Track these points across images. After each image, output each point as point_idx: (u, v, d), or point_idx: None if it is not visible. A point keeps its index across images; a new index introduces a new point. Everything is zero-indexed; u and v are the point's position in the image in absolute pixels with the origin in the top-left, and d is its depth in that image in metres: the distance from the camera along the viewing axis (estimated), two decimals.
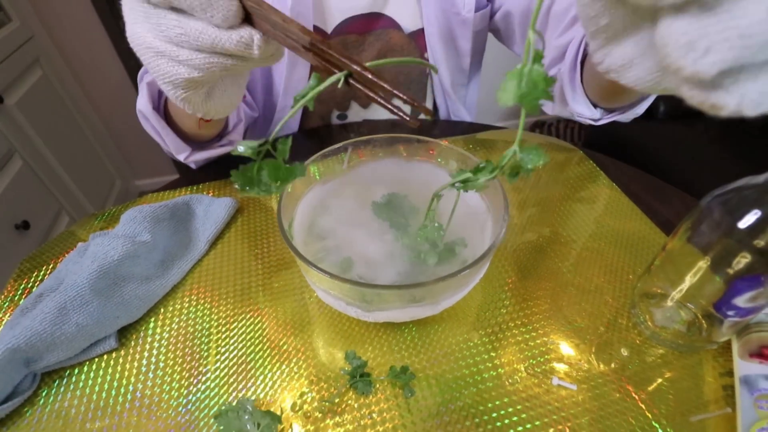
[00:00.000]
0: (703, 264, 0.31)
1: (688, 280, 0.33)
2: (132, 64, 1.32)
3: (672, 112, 1.29)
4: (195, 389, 0.34)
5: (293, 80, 0.60)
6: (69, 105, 1.36)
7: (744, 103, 0.14)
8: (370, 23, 0.59)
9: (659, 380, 0.34)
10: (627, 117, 0.48)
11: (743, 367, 0.32)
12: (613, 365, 0.35)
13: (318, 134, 0.66)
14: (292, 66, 0.58)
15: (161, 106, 0.47)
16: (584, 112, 0.49)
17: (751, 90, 0.14)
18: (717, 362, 0.35)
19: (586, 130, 1.62)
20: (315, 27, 0.58)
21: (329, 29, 0.59)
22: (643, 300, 0.37)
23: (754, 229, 0.27)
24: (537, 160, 0.26)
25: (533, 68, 0.22)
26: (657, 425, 0.31)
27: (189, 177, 0.55)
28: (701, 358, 0.35)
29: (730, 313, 0.31)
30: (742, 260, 0.28)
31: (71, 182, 1.31)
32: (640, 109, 0.47)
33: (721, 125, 1.29)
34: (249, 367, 0.35)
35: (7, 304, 0.40)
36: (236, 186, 0.25)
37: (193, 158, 0.50)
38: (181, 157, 0.49)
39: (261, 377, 0.35)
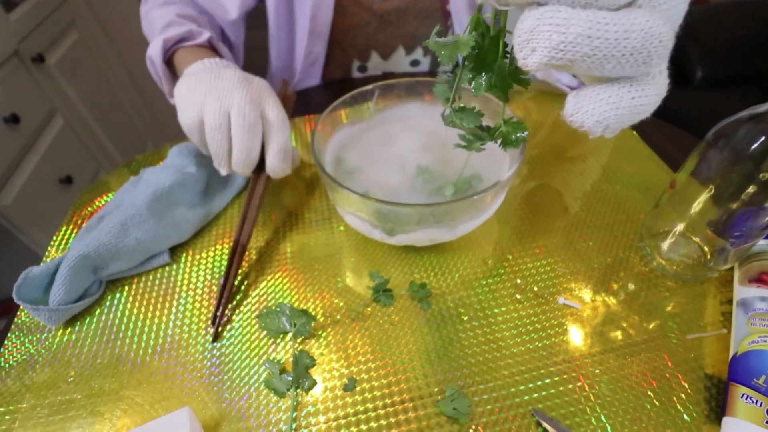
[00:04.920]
0: (707, 194, 0.33)
1: (693, 211, 0.34)
2: None
3: (710, 79, 1.22)
4: (237, 297, 0.39)
5: (318, 24, 0.61)
6: (103, 67, 1.41)
7: None
8: None
9: (661, 305, 0.36)
10: None
11: (742, 291, 0.35)
12: (616, 290, 0.38)
13: (341, 87, 0.68)
14: (317, 9, 0.59)
15: (167, 57, 0.53)
16: (562, 78, 0.49)
17: None
18: (719, 292, 0.37)
19: None
20: None
21: None
22: (650, 235, 0.39)
23: (757, 157, 0.29)
24: (520, 134, 0.28)
25: (501, 63, 0.24)
26: (648, 338, 0.34)
27: None
28: (704, 288, 0.37)
29: (733, 239, 0.33)
30: (745, 188, 0.30)
31: (108, 142, 1.38)
32: None
33: (761, 93, 1.23)
34: (284, 280, 0.40)
35: (71, 227, 0.46)
36: None
37: None
38: (173, 101, 0.53)
39: (295, 290, 0.39)
